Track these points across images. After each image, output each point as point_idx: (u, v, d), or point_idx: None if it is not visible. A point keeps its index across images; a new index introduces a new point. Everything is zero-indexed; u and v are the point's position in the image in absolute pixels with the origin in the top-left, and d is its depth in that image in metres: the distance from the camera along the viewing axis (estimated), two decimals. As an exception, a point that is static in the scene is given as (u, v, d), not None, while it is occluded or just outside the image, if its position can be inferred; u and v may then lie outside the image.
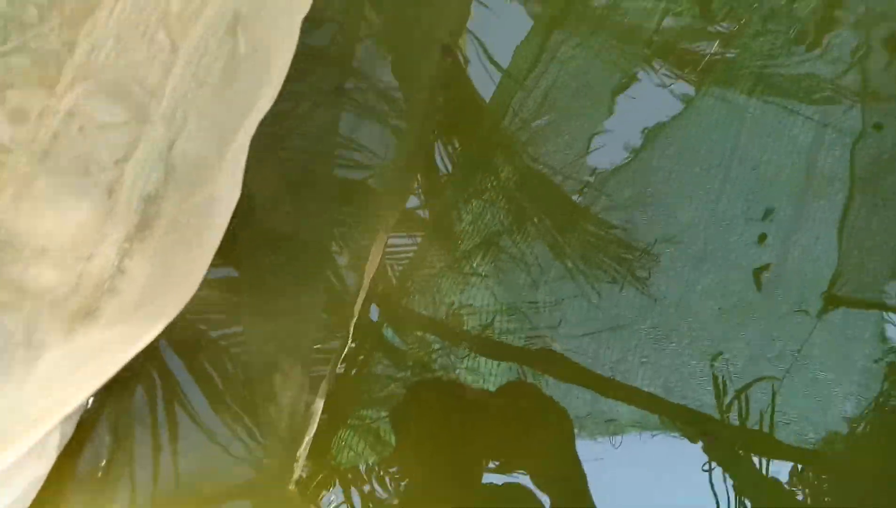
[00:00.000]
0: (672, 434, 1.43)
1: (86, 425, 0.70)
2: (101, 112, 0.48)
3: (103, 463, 0.69)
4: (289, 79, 0.81)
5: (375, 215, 1.07)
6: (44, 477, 0.61)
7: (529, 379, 1.44)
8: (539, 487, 0.94)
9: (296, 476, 0.88)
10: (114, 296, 0.55)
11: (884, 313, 1.33)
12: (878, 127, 1.22)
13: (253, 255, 1.03)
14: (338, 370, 1.35)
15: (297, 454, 0.86)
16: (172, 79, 0.56)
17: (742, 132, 1.24)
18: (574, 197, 1.32)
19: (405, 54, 1.04)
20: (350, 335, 1.05)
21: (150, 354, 0.83)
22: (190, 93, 0.58)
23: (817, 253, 1.29)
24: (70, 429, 0.66)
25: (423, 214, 1.34)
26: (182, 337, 0.88)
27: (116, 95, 0.52)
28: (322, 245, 0.98)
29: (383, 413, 1.39)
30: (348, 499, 1.35)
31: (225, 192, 0.61)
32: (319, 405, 0.94)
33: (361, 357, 1.31)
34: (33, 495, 0.60)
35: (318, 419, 0.95)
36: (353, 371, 1.34)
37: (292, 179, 1.00)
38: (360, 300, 1.04)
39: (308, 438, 0.88)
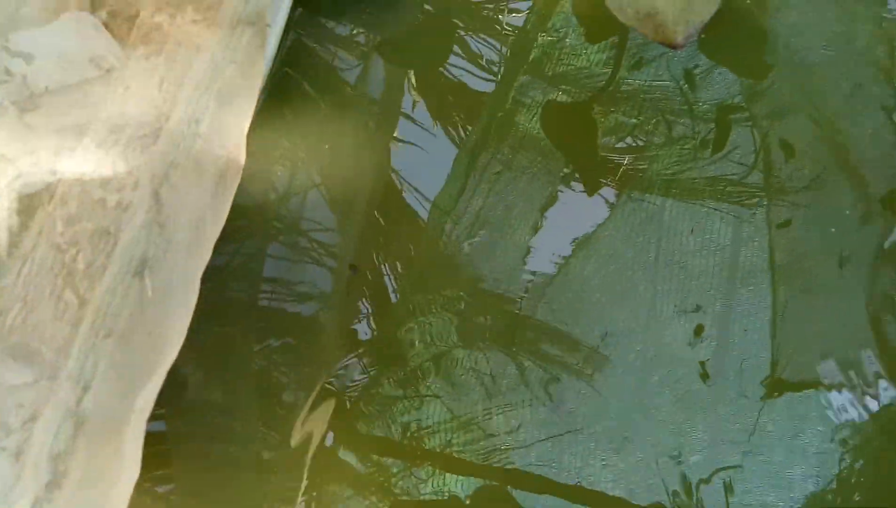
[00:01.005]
0: (641, 536, 1.42)
1: None
2: (9, 375, 0.50)
3: None
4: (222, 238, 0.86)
5: (322, 347, 1.09)
6: None
7: (493, 490, 1.43)
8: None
9: None
10: None
11: (826, 392, 1.38)
12: (785, 224, 1.31)
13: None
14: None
15: None
16: (81, 334, 0.58)
17: (663, 233, 1.31)
18: (516, 307, 1.37)
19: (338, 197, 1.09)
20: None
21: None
22: (98, 345, 0.59)
23: (753, 341, 1.34)
24: None
25: (371, 337, 1.37)
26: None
27: (24, 358, 0.53)
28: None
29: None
30: None
31: (130, 446, 0.61)
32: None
33: (315, 493, 1.29)
34: None
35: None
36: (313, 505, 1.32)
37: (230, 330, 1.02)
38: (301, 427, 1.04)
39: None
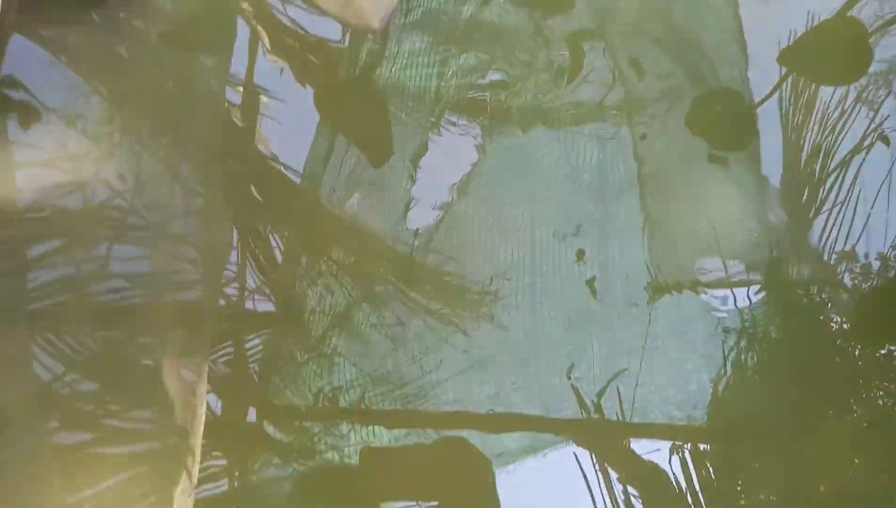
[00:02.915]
0: (559, 447, 1.51)
1: None
2: None
3: None
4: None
5: (208, 331, 1.09)
6: None
7: (416, 434, 1.48)
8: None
9: None
10: None
11: (705, 288, 1.47)
12: (643, 137, 1.37)
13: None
14: (222, 488, 1.34)
15: None
16: None
17: (534, 163, 1.36)
18: (408, 259, 1.39)
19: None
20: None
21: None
22: None
23: (632, 253, 1.41)
24: None
25: (267, 307, 1.37)
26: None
27: None
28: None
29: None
30: None
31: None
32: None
33: (237, 472, 1.31)
34: None
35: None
36: (237, 483, 1.34)
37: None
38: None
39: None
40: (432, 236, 1.37)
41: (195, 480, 1.09)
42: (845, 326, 1.45)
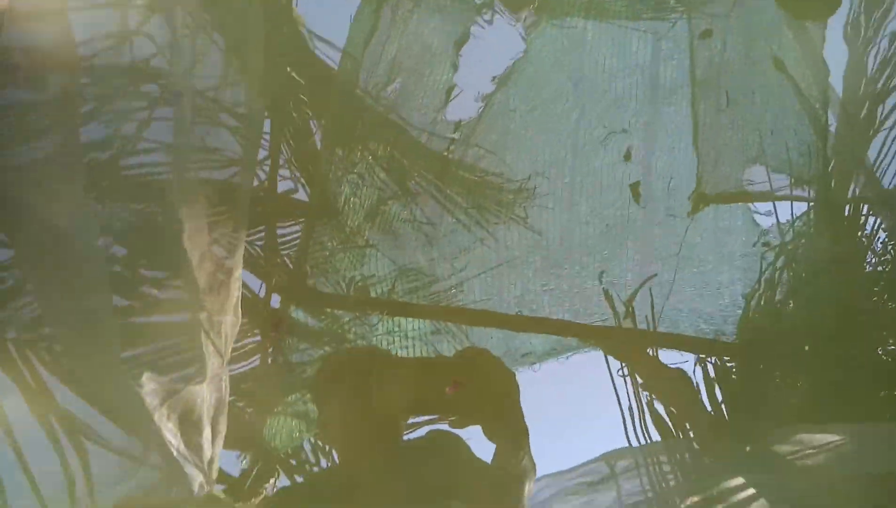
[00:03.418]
0: (585, 351, 1.52)
1: None
2: None
3: None
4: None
5: (246, 211, 1.08)
6: None
7: (444, 332, 1.50)
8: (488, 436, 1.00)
9: (213, 476, 0.92)
10: None
11: (750, 202, 1.43)
12: (706, 34, 1.28)
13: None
14: (254, 364, 1.38)
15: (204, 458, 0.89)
16: None
17: (584, 59, 1.29)
18: (445, 153, 1.36)
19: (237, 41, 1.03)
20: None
21: None
22: None
23: (678, 159, 1.36)
24: None
25: (302, 195, 1.36)
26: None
27: None
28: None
29: (308, 395, 1.43)
30: (291, 479, 1.40)
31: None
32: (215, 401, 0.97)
33: (271, 349, 1.34)
34: None
35: (224, 417, 0.97)
36: (269, 360, 1.38)
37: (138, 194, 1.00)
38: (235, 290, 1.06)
39: (211, 435, 0.91)
40: (472, 131, 1.33)
41: (227, 357, 1.11)
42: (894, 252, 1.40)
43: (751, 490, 1.08)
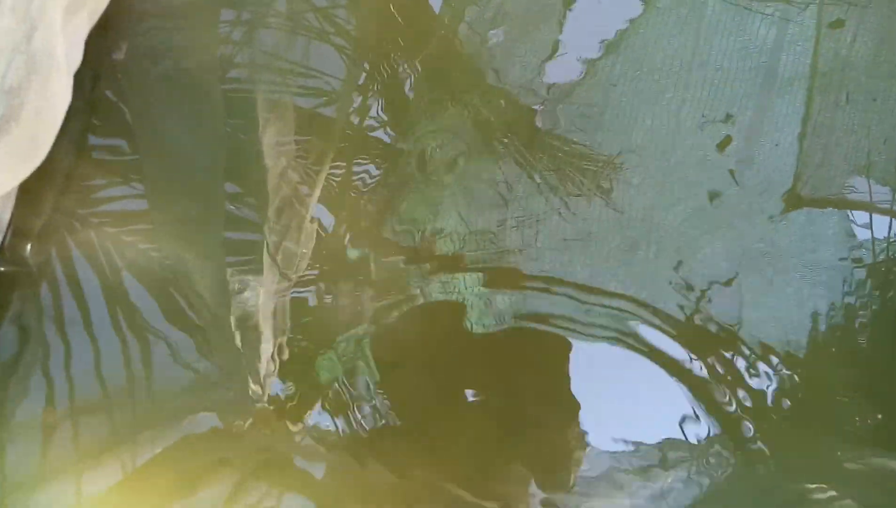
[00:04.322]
0: (647, 339, 1.47)
1: None
2: None
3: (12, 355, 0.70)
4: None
5: (329, 144, 1.06)
6: None
7: (505, 296, 1.47)
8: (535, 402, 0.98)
9: (266, 395, 0.91)
10: None
11: (847, 210, 1.35)
12: (837, 24, 1.20)
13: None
14: (311, 298, 1.37)
15: (261, 374, 0.88)
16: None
17: (701, 34, 1.22)
18: (536, 112, 1.31)
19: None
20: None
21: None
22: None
23: (780, 153, 1.29)
24: None
25: (385, 138, 1.33)
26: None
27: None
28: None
29: (361, 337, 1.42)
30: (331, 417, 1.40)
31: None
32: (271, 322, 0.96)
33: (326, 285, 1.33)
34: None
35: (281, 341, 0.97)
36: (328, 299, 1.37)
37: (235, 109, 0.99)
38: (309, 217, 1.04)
39: (264, 359, 0.90)
40: (568, 94, 1.28)
41: (292, 281, 1.10)
42: None
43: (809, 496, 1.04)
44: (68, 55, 0.64)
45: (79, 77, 0.70)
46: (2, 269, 0.70)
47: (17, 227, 0.72)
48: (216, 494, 0.78)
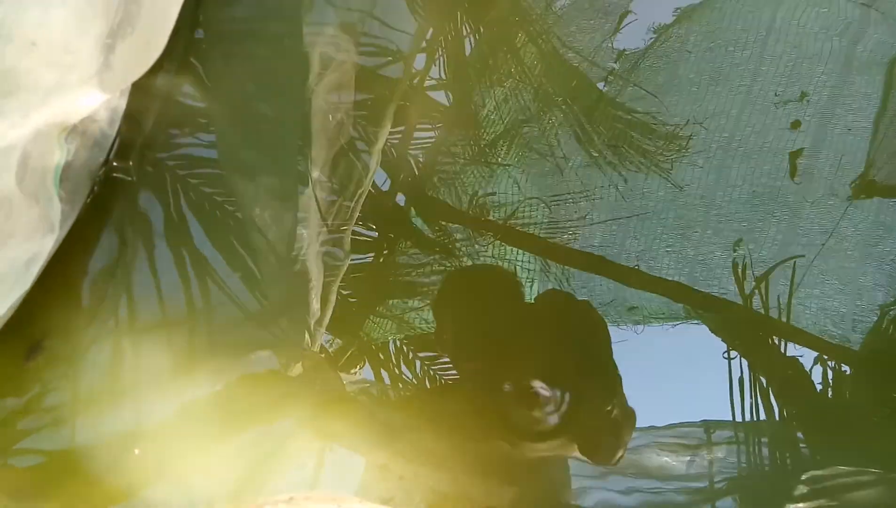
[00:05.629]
0: (694, 323, 1.44)
1: (91, 219, 0.71)
2: None
3: (109, 262, 0.72)
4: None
5: (389, 102, 1.05)
6: (46, 254, 0.63)
7: (553, 268, 1.45)
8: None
9: (318, 343, 0.93)
10: (99, 89, 0.57)
11: (919, 202, 1.30)
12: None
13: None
14: (366, 258, 1.38)
15: (311, 322, 0.90)
16: None
17: (781, 8, 1.17)
18: (600, 83, 1.28)
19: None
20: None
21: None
22: None
23: (852, 139, 1.24)
24: (73, 212, 0.67)
25: (445, 100, 1.32)
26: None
27: None
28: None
29: (411, 299, 1.42)
30: (377, 375, 1.41)
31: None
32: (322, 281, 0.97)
33: (385, 246, 1.33)
34: (35, 272, 0.63)
35: (333, 293, 0.98)
36: (381, 258, 1.37)
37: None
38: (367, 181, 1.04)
39: (315, 308, 0.91)
40: (637, 64, 1.25)
41: (347, 247, 1.10)
42: None
43: (851, 481, 1.01)
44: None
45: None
46: (114, 175, 0.72)
47: (123, 141, 0.74)
48: (272, 430, 0.80)
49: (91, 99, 0.65)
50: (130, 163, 0.77)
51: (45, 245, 0.66)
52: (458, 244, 1.42)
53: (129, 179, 0.75)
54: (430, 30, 1.23)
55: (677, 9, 1.18)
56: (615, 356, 1.06)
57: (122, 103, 0.67)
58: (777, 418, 1.25)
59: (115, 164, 0.77)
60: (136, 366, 0.71)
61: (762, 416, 1.22)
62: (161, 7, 0.63)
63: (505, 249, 1.44)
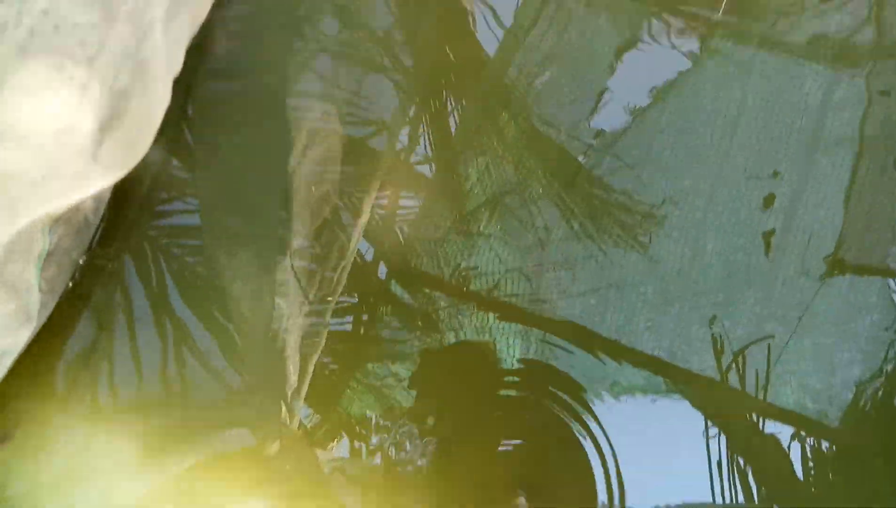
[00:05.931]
0: (674, 397, 1.44)
1: (69, 306, 0.70)
2: (75, 13, 0.50)
3: (85, 347, 0.71)
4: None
5: (374, 174, 1.08)
6: (21, 346, 0.62)
7: (535, 338, 1.45)
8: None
9: (296, 419, 0.91)
10: (87, 180, 0.58)
11: (890, 279, 1.32)
12: (885, 93, 1.20)
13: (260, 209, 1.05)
14: (345, 327, 1.37)
15: (289, 396, 0.88)
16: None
17: (749, 90, 1.23)
18: (580, 158, 1.32)
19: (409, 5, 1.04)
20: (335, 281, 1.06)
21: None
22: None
23: (823, 216, 1.28)
24: (52, 300, 0.67)
25: (428, 173, 1.35)
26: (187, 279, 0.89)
27: None
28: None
29: (393, 370, 1.41)
30: (354, 451, 1.38)
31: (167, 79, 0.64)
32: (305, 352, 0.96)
33: (366, 316, 1.33)
34: (8, 364, 0.61)
35: (312, 366, 0.97)
36: (361, 330, 1.36)
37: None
38: (351, 248, 1.05)
39: (294, 381, 0.90)
40: (614, 141, 1.29)
41: (327, 319, 1.10)
42: None
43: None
44: (169, 61, 0.68)
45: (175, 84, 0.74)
46: (96, 261, 0.73)
47: (107, 227, 0.74)
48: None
49: (79, 192, 0.66)
50: (113, 249, 0.78)
51: (20, 337, 0.65)
52: (440, 314, 1.42)
53: (111, 264, 0.75)
54: (413, 107, 1.27)
55: (653, 88, 1.23)
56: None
57: (107, 192, 0.68)
58: (756, 500, 1.23)
59: (97, 250, 0.78)
60: (108, 451, 0.69)
61: (741, 499, 1.20)
62: (147, 104, 0.65)
63: (487, 317, 1.44)
